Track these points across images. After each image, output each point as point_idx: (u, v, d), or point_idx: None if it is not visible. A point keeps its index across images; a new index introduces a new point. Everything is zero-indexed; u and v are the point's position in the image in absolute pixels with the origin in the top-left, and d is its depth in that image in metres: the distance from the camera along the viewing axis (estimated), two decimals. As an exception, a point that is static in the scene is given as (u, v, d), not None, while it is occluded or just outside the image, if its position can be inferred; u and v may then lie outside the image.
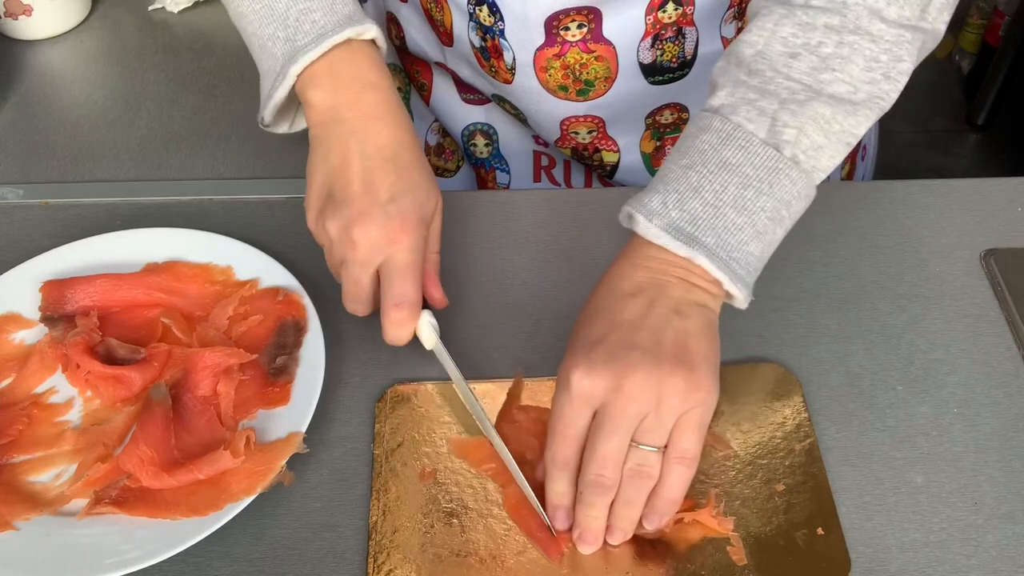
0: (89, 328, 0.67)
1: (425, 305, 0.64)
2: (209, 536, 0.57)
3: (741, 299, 0.57)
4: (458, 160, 0.97)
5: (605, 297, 0.58)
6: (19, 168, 0.84)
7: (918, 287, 0.72)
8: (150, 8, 1.03)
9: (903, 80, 0.59)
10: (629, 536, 0.57)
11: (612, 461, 0.54)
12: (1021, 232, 0.75)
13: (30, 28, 0.99)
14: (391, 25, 0.92)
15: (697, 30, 0.78)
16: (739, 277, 0.56)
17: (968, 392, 0.65)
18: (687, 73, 0.80)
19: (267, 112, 0.66)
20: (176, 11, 1.03)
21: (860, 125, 0.59)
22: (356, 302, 0.64)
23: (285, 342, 0.66)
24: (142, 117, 0.90)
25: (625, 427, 0.54)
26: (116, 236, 0.74)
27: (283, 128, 0.69)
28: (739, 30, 0.79)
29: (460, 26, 0.81)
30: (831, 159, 0.59)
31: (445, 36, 0.83)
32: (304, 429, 0.61)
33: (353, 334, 0.69)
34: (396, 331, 0.62)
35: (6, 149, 0.87)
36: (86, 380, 0.66)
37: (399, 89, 0.97)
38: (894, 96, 0.60)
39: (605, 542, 0.58)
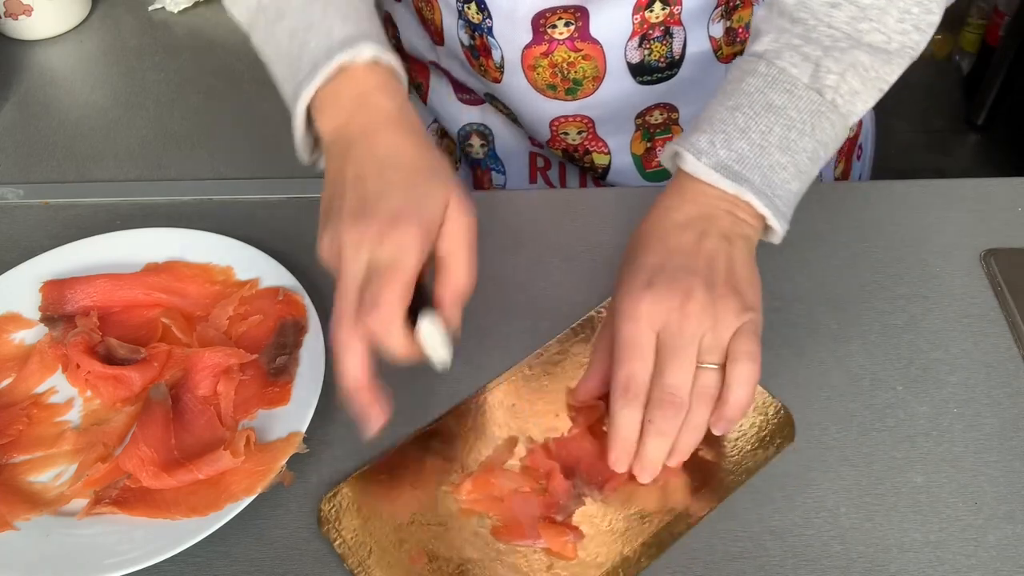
0: (89, 328, 0.67)
1: (428, 306, 0.56)
2: (209, 536, 0.57)
3: (780, 233, 0.61)
4: (455, 161, 0.97)
5: (658, 226, 0.61)
6: (19, 168, 0.84)
7: (918, 287, 0.72)
8: (150, 8, 1.03)
9: (931, 32, 0.63)
10: (685, 458, 0.59)
11: (683, 378, 0.56)
12: (1021, 232, 0.75)
13: (30, 28, 0.99)
14: (387, 26, 0.92)
15: (685, 30, 0.78)
16: (782, 213, 0.60)
17: (968, 392, 0.65)
18: (675, 73, 0.80)
19: (300, 152, 0.64)
20: (176, 11, 1.03)
21: (893, 73, 0.63)
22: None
23: (285, 342, 0.66)
24: (142, 117, 0.90)
25: (690, 344, 0.56)
26: (116, 236, 0.74)
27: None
28: (727, 30, 0.79)
29: (450, 24, 0.81)
30: (865, 103, 0.63)
31: (436, 34, 0.83)
32: (304, 429, 0.61)
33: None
34: (384, 344, 0.55)
35: (6, 149, 0.86)
36: (86, 380, 0.66)
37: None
38: (922, 47, 0.63)
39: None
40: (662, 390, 0.56)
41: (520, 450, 0.62)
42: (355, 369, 0.55)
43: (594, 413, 0.63)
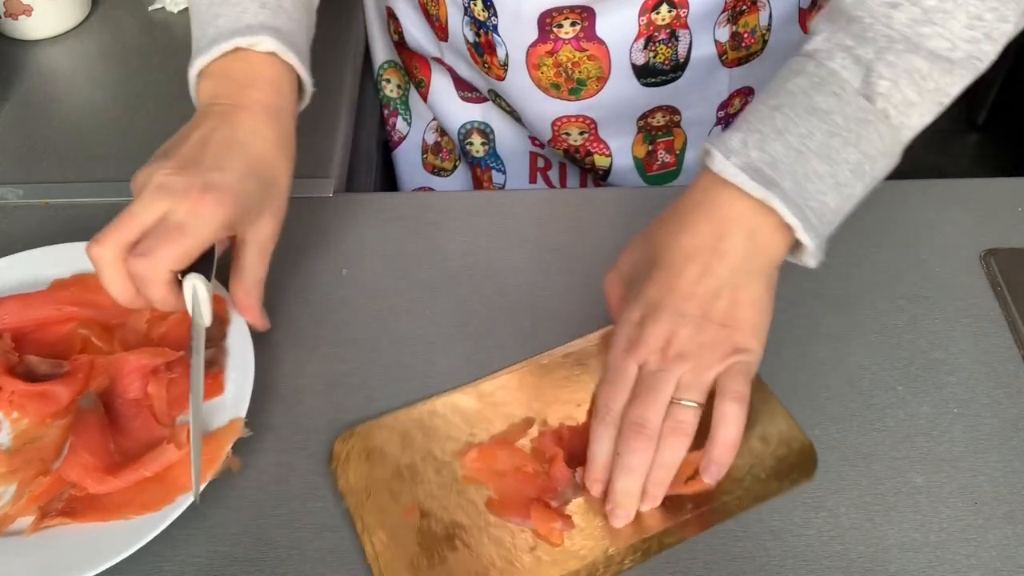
0: (4, 350, 0.65)
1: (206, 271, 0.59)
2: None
3: (812, 250, 0.57)
4: (455, 160, 0.97)
5: (666, 249, 0.58)
6: (19, 168, 0.84)
7: (918, 287, 0.72)
8: (150, 8, 1.03)
9: (1003, 43, 0.57)
10: (659, 502, 0.58)
11: (649, 413, 0.55)
12: (1021, 232, 0.75)
13: (30, 28, 0.99)
14: (390, 20, 0.92)
15: (691, 33, 0.78)
16: (813, 227, 0.55)
17: (968, 392, 0.65)
18: (680, 76, 0.80)
19: None
20: (176, 11, 1.02)
21: (955, 85, 0.57)
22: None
23: (210, 335, 0.65)
24: (142, 117, 0.89)
25: (663, 383, 0.55)
26: (13, 258, 0.72)
27: None
28: (733, 34, 0.79)
29: (455, 20, 0.81)
30: (921, 118, 0.58)
31: (440, 30, 0.84)
32: (244, 415, 0.61)
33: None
34: (141, 289, 0.58)
35: (6, 149, 0.86)
36: (10, 401, 0.64)
37: (398, 86, 0.97)
38: (992, 59, 0.58)
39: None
40: (628, 421, 0.56)
41: (534, 431, 0.62)
42: (126, 292, 0.58)
43: None
